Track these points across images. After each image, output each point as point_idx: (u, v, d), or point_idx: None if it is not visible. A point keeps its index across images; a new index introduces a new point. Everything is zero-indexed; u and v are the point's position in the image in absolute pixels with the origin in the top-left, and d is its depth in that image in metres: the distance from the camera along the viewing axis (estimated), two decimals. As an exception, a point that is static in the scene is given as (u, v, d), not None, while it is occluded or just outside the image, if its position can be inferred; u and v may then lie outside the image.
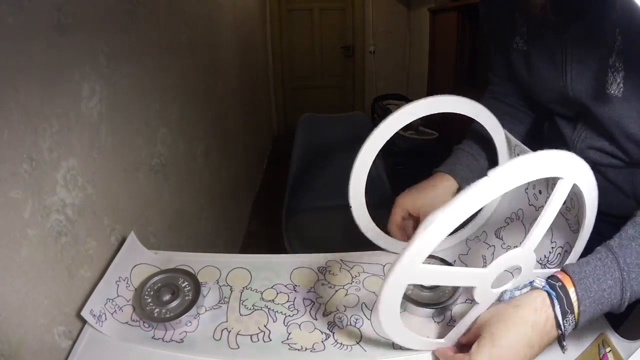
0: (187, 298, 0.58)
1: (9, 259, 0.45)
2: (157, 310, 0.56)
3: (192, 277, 0.60)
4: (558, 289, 0.45)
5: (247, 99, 2.32)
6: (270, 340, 0.55)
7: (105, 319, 0.55)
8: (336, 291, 0.63)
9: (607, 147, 0.61)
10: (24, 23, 0.47)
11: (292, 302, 0.60)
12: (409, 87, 3.74)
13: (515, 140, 0.66)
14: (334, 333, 0.56)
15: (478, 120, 0.63)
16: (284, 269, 0.66)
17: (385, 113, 2.92)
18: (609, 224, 0.70)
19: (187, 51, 1.15)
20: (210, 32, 1.51)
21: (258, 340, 0.54)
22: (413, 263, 0.40)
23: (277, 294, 0.62)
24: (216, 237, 1.46)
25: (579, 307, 0.44)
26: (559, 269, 0.48)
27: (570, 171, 0.44)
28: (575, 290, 0.44)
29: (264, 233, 2.08)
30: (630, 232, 0.47)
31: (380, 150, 0.59)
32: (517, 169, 0.40)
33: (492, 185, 0.39)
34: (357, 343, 0.54)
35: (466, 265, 0.68)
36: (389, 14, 3.63)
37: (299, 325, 0.57)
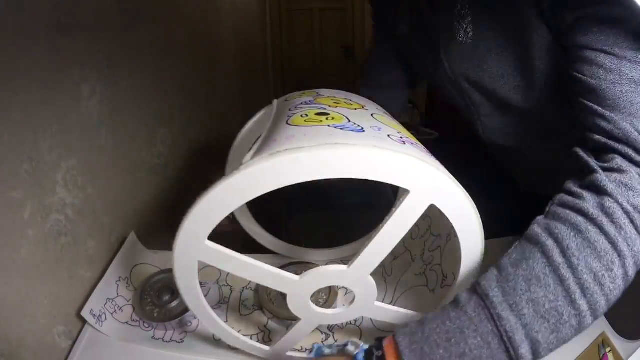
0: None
1: (9, 259, 0.45)
2: (157, 310, 0.56)
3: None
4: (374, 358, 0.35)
5: (247, 98, 2.32)
6: (271, 340, 0.55)
7: (105, 319, 0.55)
8: (337, 290, 0.63)
9: (505, 125, 0.62)
10: (24, 23, 0.47)
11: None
12: (409, 87, 3.74)
13: None
14: (333, 333, 0.56)
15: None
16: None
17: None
18: None
19: (187, 51, 1.15)
20: (210, 32, 1.51)
21: (258, 340, 0.54)
22: (197, 237, 0.36)
23: (277, 294, 0.62)
24: (216, 237, 1.45)
25: None
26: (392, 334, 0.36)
27: (419, 186, 0.34)
28: None
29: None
30: (513, 257, 0.36)
31: None
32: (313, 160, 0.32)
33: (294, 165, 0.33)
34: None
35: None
36: (389, 14, 3.63)
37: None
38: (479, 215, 0.38)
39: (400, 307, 0.46)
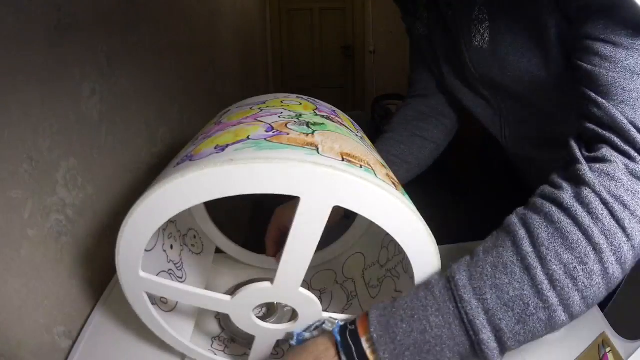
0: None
1: (9, 259, 0.45)
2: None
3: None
4: (348, 335, 0.35)
5: (247, 98, 2.32)
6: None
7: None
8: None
9: (533, 133, 0.59)
10: (24, 23, 0.47)
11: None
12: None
13: None
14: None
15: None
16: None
17: (385, 113, 2.92)
18: None
19: (187, 51, 1.15)
20: (210, 32, 1.51)
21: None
22: (132, 270, 0.38)
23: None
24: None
25: (377, 356, 0.33)
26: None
27: (310, 189, 0.32)
28: (370, 337, 0.34)
29: (264, 233, 2.07)
30: (487, 244, 0.37)
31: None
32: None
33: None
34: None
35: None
36: (389, 14, 3.63)
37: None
38: (415, 211, 0.36)
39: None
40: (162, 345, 0.53)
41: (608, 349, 0.49)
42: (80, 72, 0.58)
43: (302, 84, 3.82)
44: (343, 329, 0.36)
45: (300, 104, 0.46)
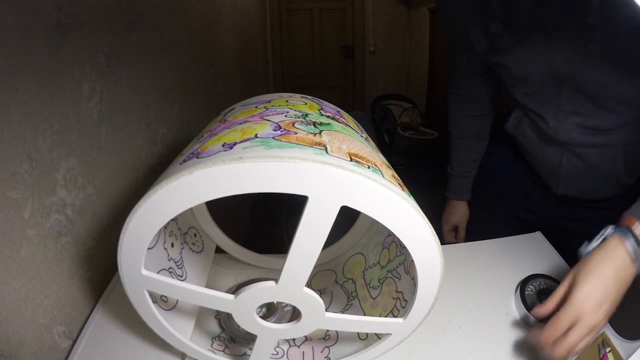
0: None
1: (9, 259, 0.45)
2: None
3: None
4: (626, 229, 0.48)
5: (247, 98, 2.32)
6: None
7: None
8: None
9: (589, 122, 0.64)
10: (24, 23, 0.47)
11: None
12: (409, 87, 3.74)
13: None
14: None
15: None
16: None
17: (385, 113, 2.92)
18: (593, 209, 0.73)
19: (187, 51, 1.15)
20: (210, 32, 1.51)
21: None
22: (133, 264, 0.38)
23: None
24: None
25: None
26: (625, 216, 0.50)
27: (317, 189, 0.32)
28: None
29: (264, 233, 2.08)
30: None
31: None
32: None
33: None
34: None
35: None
36: (389, 14, 3.63)
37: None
38: (420, 212, 0.36)
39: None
40: (162, 345, 0.53)
41: (608, 349, 0.49)
42: (80, 72, 0.58)
43: (302, 83, 3.82)
44: (619, 227, 0.48)
45: (306, 103, 0.46)
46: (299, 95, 0.49)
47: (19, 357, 0.45)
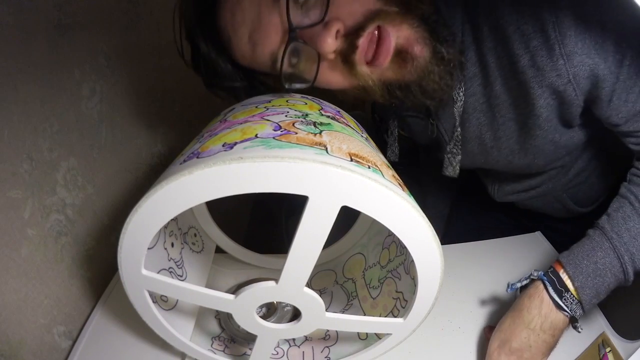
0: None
1: (9, 259, 0.45)
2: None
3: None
4: (549, 273, 0.49)
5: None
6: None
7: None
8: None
9: (518, 186, 0.70)
10: (24, 23, 0.47)
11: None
12: (409, 87, 3.73)
13: None
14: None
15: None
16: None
17: (385, 113, 2.92)
18: (571, 224, 0.75)
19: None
20: (210, 32, 1.51)
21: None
22: (133, 264, 0.37)
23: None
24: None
25: (573, 284, 0.47)
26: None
27: (318, 189, 0.32)
28: (565, 270, 0.48)
29: (264, 233, 2.08)
30: (614, 206, 0.51)
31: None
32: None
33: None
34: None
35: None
36: (389, 14, 3.62)
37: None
38: (421, 212, 0.36)
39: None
40: (162, 345, 0.53)
41: (608, 349, 0.49)
42: (80, 72, 0.58)
43: (302, 84, 3.81)
44: (544, 273, 0.50)
45: (306, 103, 0.46)
46: (299, 95, 0.49)
47: (19, 357, 0.45)
